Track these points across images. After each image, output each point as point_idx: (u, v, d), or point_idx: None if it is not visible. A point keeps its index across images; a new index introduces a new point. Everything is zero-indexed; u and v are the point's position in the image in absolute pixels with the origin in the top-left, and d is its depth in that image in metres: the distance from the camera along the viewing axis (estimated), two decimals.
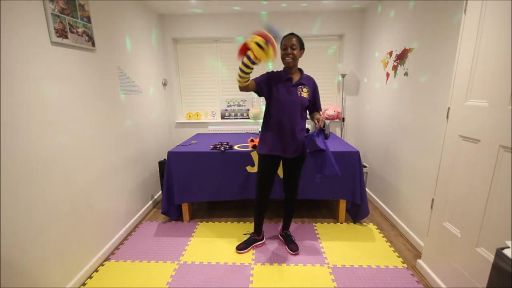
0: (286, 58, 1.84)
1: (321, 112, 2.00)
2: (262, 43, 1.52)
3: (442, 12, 1.81)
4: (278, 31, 1.59)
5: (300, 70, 1.97)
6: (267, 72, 1.95)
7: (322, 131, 1.82)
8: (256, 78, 1.89)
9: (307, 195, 2.44)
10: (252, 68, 1.64)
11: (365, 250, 2.13)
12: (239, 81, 1.73)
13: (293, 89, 1.89)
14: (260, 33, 1.54)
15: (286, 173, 2.06)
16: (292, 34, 1.83)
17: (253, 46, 1.53)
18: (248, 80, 1.75)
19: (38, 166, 1.49)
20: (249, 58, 1.58)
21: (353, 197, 2.40)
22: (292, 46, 1.80)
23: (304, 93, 1.91)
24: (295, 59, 1.85)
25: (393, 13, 2.48)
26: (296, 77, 1.93)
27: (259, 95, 1.94)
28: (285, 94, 1.88)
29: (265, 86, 1.90)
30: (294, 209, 2.20)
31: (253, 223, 2.24)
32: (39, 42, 1.51)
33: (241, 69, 1.64)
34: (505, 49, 1.20)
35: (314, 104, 1.99)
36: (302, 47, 1.87)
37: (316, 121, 1.81)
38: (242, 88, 1.80)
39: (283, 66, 1.92)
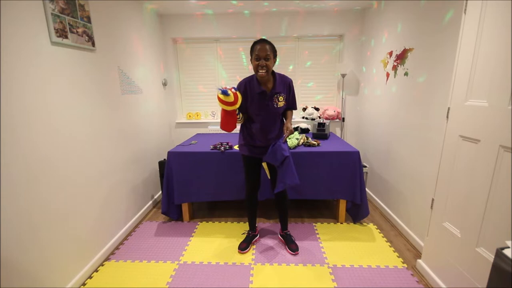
0: (260, 71, 1.71)
1: (292, 121, 2.04)
2: (225, 99, 1.69)
3: (442, 12, 1.81)
4: (225, 90, 1.69)
5: (273, 74, 1.85)
6: (239, 88, 1.85)
7: (285, 141, 1.90)
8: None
9: (307, 195, 2.44)
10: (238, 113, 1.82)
11: (365, 250, 2.13)
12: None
13: (269, 102, 1.85)
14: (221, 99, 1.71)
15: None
16: (264, 41, 1.69)
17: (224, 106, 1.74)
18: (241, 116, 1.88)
19: (38, 166, 1.49)
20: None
21: (353, 197, 2.40)
22: (266, 57, 1.68)
23: (281, 102, 1.88)
24: (269, 70, 1.74)
25: (393, 13, 2.48)
26: (270, 86, 1.84)
27: None
28: (261, 108, 1.86)
29: (243, 102, 1.86)
30: (287, 208, 2.15)
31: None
32: (39, 42, 1.51)
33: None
34: (505, 49, 1.20)
35: (288, 104, 1.96)
36: (275, 55, 1.75)
37: (285, 130, 1.82)
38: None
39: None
